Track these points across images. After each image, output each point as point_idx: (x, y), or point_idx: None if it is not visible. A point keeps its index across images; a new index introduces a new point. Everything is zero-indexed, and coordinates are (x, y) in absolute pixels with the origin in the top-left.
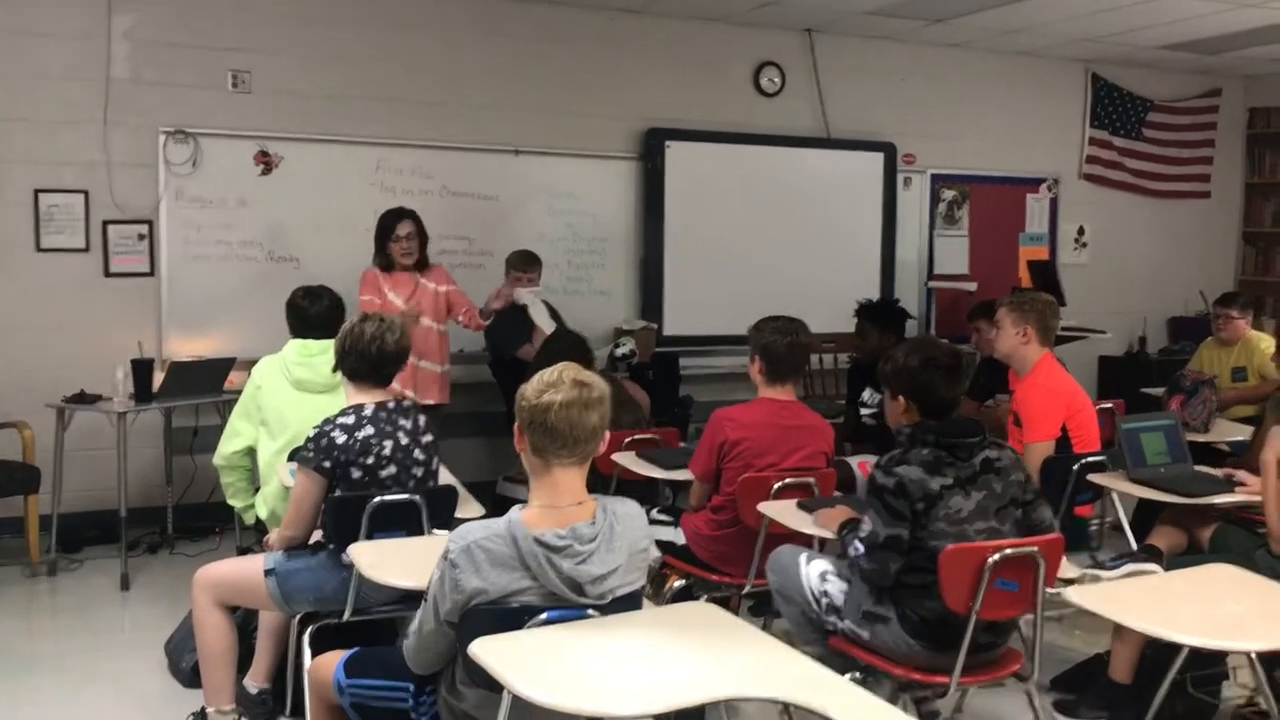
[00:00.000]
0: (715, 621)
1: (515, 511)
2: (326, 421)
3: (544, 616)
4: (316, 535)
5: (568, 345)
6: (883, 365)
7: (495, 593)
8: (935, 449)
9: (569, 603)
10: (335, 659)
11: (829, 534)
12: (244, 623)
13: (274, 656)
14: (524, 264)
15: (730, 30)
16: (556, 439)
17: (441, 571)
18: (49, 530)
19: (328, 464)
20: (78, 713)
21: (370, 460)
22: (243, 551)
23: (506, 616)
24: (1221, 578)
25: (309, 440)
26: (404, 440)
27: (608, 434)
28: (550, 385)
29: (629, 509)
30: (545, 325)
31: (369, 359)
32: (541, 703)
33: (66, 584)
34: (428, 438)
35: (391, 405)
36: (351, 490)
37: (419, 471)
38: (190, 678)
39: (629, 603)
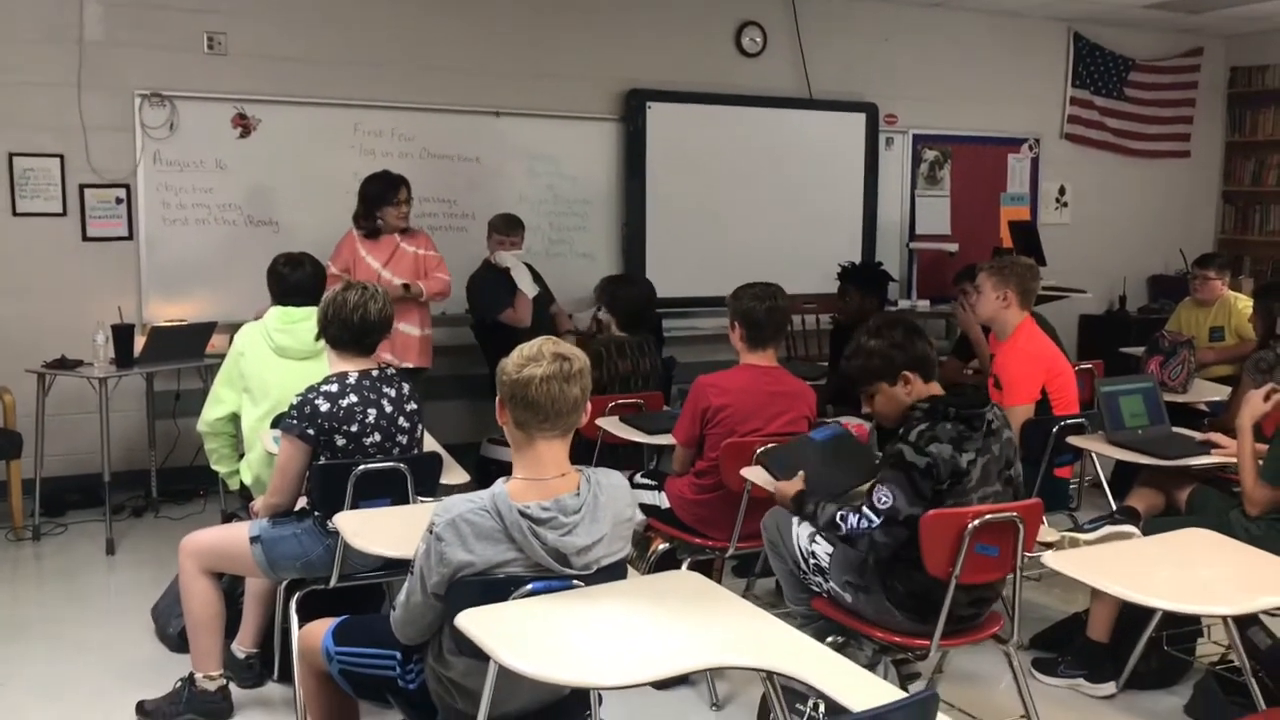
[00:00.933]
0: (698, 590)
1: (500, 484)
2: (310, 389)
3: (529, 587)
4: (302, 502)
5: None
6: (866, 362)
7: (481, 565)
8: (957, 423)
9: (554, 574)
10: (324, 627)
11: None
12: (231, 588)
13: (261, 621)
14: (506, 227)
15: None
16: (538, 412)
17: (427, 545)
18: (32, 495)
19: (311, 431)
20: (65, 679)
21: (354, 428)
22: (228, 516)
23: (493, 588)
24: (1195, 542)
25: (292, 408)
26: (388, 408)
27: (590, 405)
28: (530, 359)
29: (613, 479)
30: (528, 289)
31: (352, 327)
32: (527, 673)
33: (51, 549)
34: (412, 405)
35: (375, 373)
36: (336, 458)
37: (403, 439)
38: (178, 642)
39: (614, 572)
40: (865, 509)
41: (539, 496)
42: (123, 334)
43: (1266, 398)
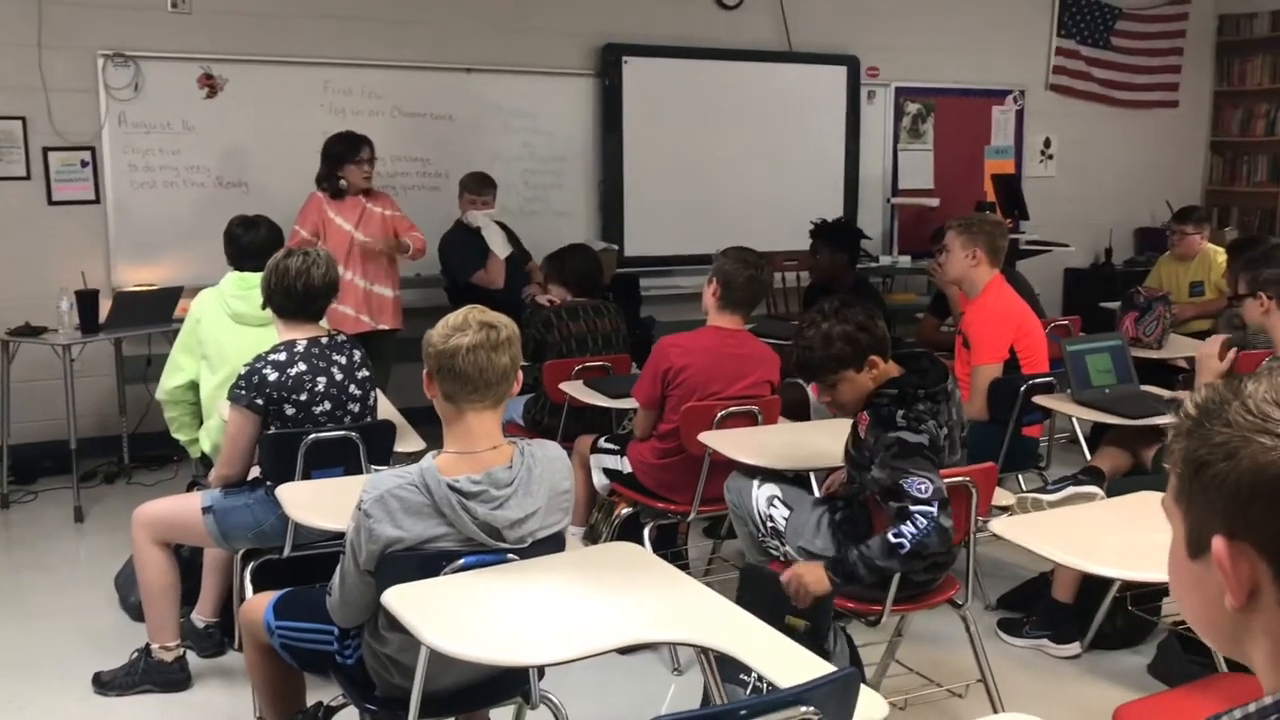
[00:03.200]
0: (634, 562)
1: (429, 458)
2: (258, 358)
3: (461, 562)
4: (255, 472)
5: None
6: (829, 350)
7: (411, 540)
8: (927, 401)
9: (487, 548)
10: (266, 600)
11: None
12: (192, 557)
13: (220, 591)
14: (477, 187)
15: None
16: (467, 383)
17: (356, 522)
18: (0, 462)
19: (260, 401)
20: (28, 647)
21: (303, 397)
22: (193, 484)
23: (425, 562)
24: (1148, 505)
25: (240, 378)
26: (338, 376)
27: (520, 374)
28: (456, 329)
29: (549, 451)
30: (500, 250)
31: (295, 295)
32: (453, 653)
33: (19, 517)
34: (364, 373)
35: (325, 341)
36: (286, 427)
37: (355, 407)
38: (138, 612)
39: (550, 545)
40: (914, 510)
41: (469, 470)
42: (87, 300)
43: (1221, 357)
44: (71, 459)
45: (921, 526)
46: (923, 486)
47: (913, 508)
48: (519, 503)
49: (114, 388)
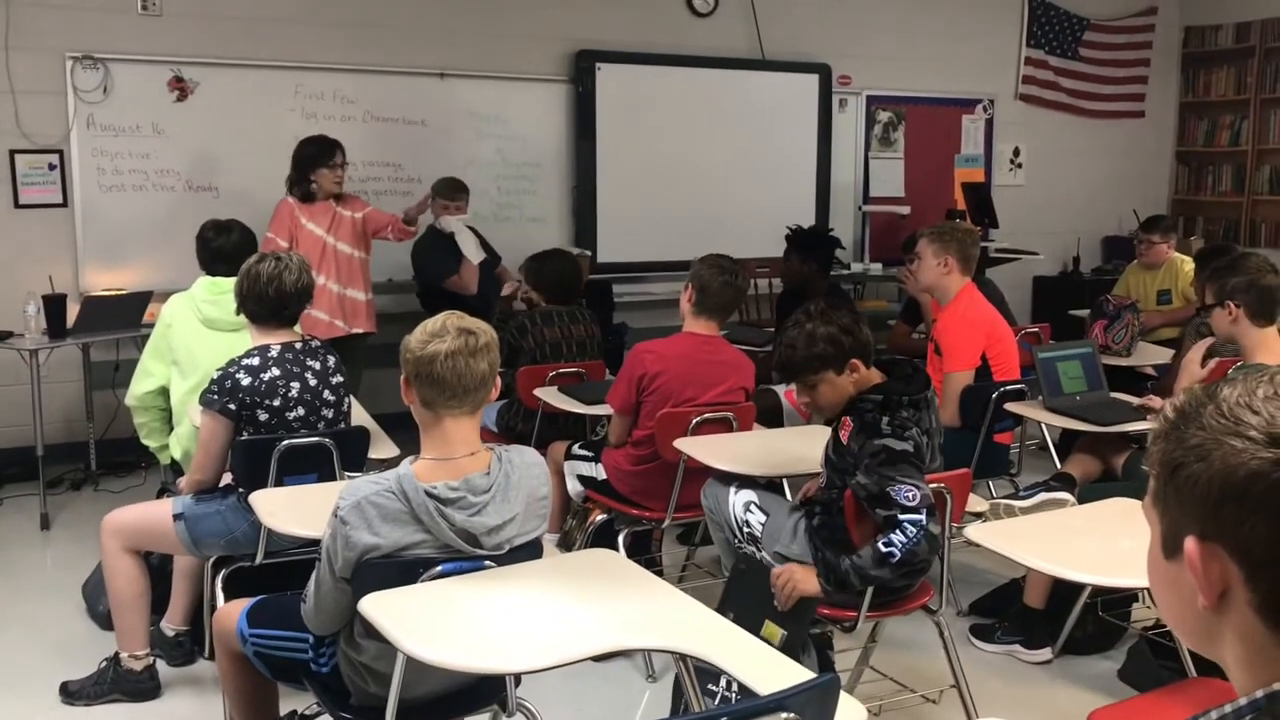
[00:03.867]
0: (611, 569)
1: (406, 465)
2: (231, 363)
3: (439, 569)
4: (227, 478)
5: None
6: (811, 350)
7: (388, 547)
8: (909, 408)
9: (465, 555)
10: (239, 607)
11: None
12: (162, 565)
13: (190, 598)
14: (450, 192)
15: None
16: (445, 390)
17: (333, 529)
18: None
19: (232, 406)
20: None
21: (277, 402)
22: (163, 490)
23: (402, 570)
24: (1120, 512)
25: (213, 382)
26: (312, 381)
27: (498, 380)
28: (434, 335)
29: (526, 458)
30: (473, 255)
31: (268, 301)
32: (430, 661)
33: None
34: (338, 378)
35: (299, 346)
36: (259, 433)
37: (329, 413)
38: (106, 620)
39: (528, 552)
40: (903, 519)
41: (447, 476)
42: (54, 304)
43: (1202, 363)
44: (38, 465)
45: (911, 535)
46: (910, 494)
47: (901, 516)
48: (497, 509)
49: (81, 393)
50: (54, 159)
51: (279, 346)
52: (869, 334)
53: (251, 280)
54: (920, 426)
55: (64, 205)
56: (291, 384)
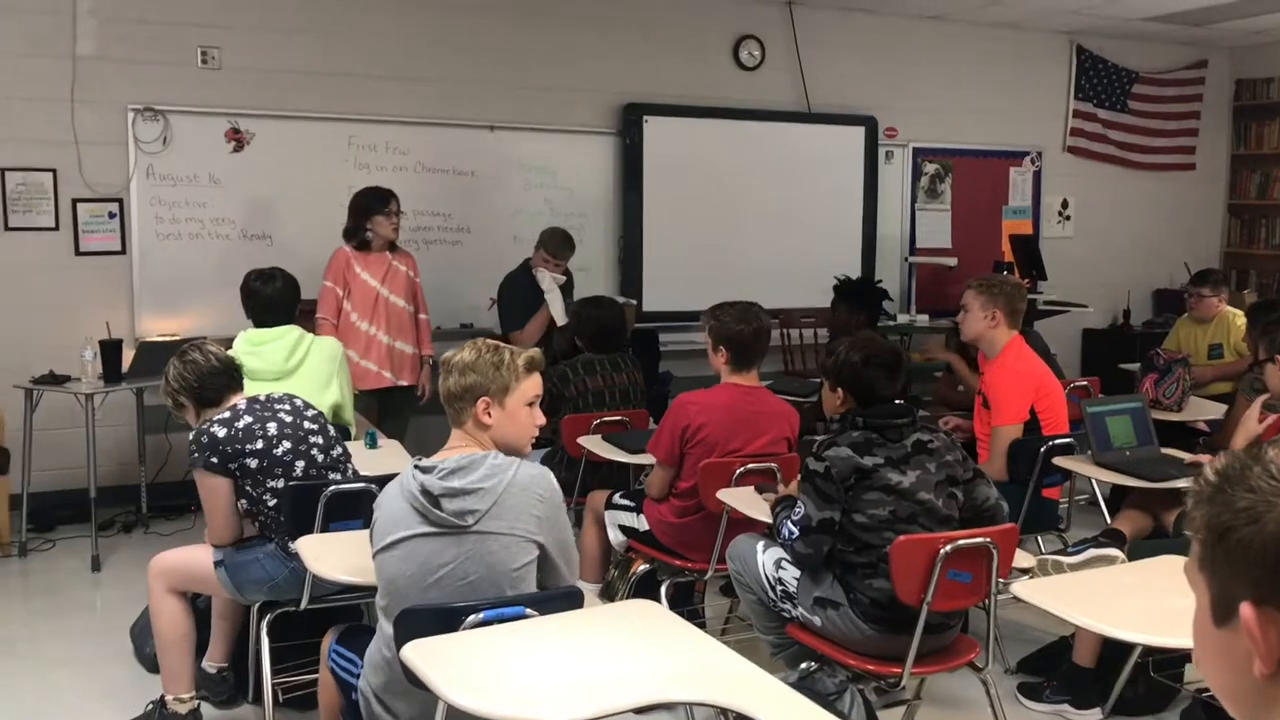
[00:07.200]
0: (652, 621)
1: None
2: (202, 423)
3: (480, 616)
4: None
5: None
6: (825, 358)
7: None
8: (865, 430)
9: (430, 517)
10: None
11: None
12: (207, 606)
13: (229, 636)
14: (556, 247)
15: (709, 3)
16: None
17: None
18: (20, 510)
19: (215, 460)
20: (43, 698)
21: (259, 445)
22: None
23: (444, 617)
24: (1171, 569)
25: (190, 444)
26: (287, 418)
27: (486, 398)
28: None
29: (528, 469)
30: (559, 317)
31: (219, 374)
32: (472, 710)
33: (37, 565)
34: (312, 411)
35: (262, 398)
36: (259, 479)
37: (317, 440)
38: (154, 663)
39: (500, 543)
40: (788, 523)
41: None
42: (110, 349)
43: (1260, 420)
44: (91, 507)
45: (785, 535)
46: (797, 511)
47: (787, 522)
48: (463, 478)
49: (134, 437)
50: (114, 207)
51: (243, 401)
52: (874, 380)
53: (194, 369)
54: (875, 451)
55: (122, 253)
56: (267, 425)
